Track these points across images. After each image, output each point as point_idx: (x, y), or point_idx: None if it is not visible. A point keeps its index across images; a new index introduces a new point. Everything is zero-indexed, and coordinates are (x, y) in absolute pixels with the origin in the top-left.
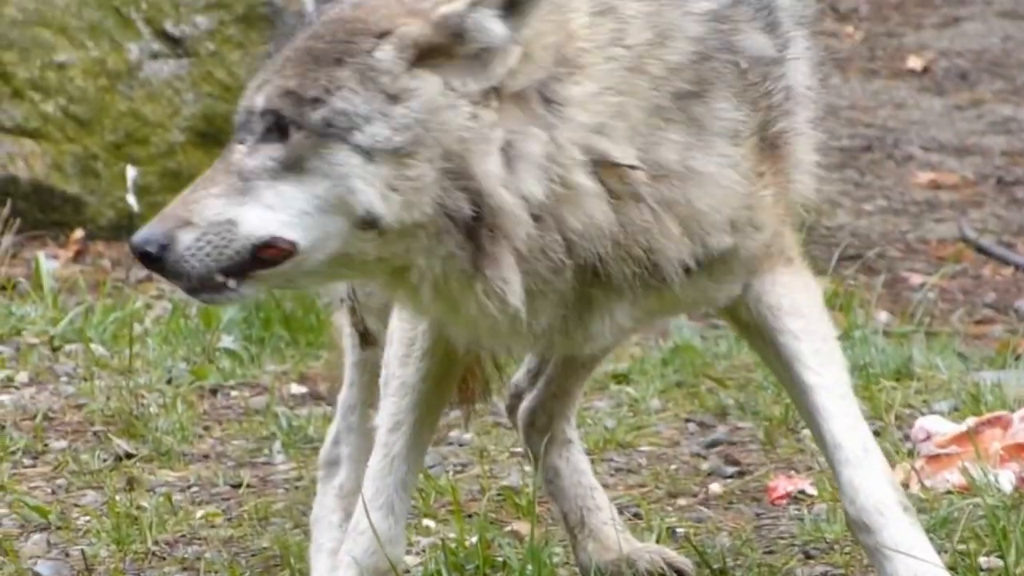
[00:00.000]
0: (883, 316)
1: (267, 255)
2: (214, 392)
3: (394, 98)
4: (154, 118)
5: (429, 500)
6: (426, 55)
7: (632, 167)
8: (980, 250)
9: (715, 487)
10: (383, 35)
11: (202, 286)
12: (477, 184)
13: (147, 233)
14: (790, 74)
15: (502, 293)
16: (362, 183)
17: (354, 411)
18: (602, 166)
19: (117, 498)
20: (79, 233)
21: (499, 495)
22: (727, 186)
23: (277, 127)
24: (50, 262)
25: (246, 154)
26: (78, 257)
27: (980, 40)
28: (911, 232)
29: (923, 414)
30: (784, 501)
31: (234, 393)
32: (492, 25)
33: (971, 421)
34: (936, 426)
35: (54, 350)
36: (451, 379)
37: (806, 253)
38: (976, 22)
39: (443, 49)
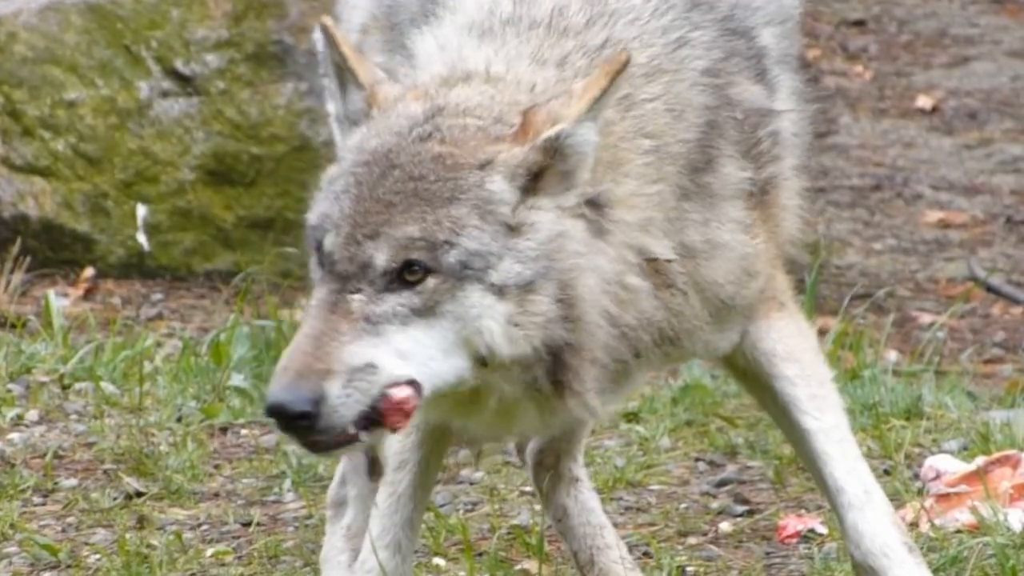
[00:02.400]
0: (893, 355)
1: (396, 400)
2: (224, 430)
3: (516, 230)
4: (164, 156)
5: (440, 538)
6: (533, 178)
7: (669, 260)
8: (989, 289)
9: (725, 526)
10: (485, 166)
11: (336, 440)
12: (580, 310)
13: (292, 393)
14: (778, 120)
15: (582, 403)
16: (491, 322)
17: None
18: (647, 262)
19: (127, 536)
20: (89, 271)
21: (509, 534)
22: (740, 251)
23: (405, 275)
24: (60, 300)
25: (368, 303)
26: (88, 295)
27: (989, 79)
28: (920, 271)
29: (933, 453)
30: (794, 540)
31: (244, 431)
32: (591, 135)
33: (980, 460)
34: (946, 465)
35: (64, 388)
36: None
37: (816, 292)
38: (985, 61)
39: (545, 169)
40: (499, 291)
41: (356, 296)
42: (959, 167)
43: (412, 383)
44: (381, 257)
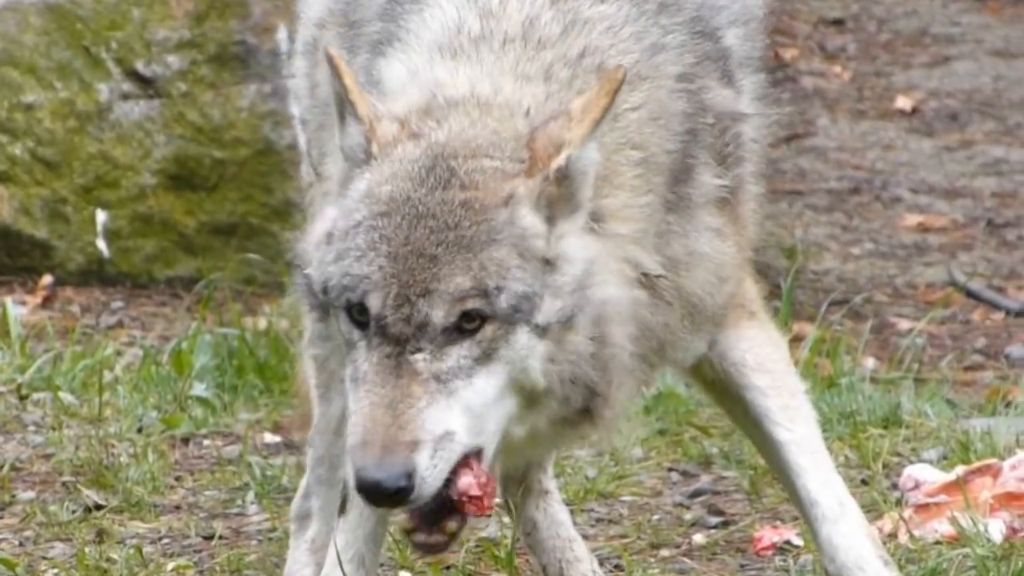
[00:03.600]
0: (870, 362)
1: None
2: (186, 441)
3: (552, 264)
4: (124, 160)
5: (407, 552)
6: (550, 207)
7: (660, 276)
8: (970, 294)
9: (699, 538)
10: (509, 201)
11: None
12: (609, 334)
13: (385, 470)
14: (742, 123)
15: (610, 427)
16: (534, 361)
17: (323, 463)
18: (641, 275)
19: (86, 550)
20: (47, 279)
21: (478, 547)
22: (718, 259)
23: (463, 325)
24: (17, 308)
25: (432, 361)
26: (46, 303)
27: (970, 80)
28: (899, 276)
29: (911, 462)
30: (769, 552)
31: (206, 442)
32: (594, 155)
33: (960, 470)
34: (925, 475)
35: (22, 398)
36: None
37: (793, 298)
38: (966, 61)
39: (557, 196)
40: (542, 331)
41: (419, 356)
42: (939, 170)
43: (478, 452)
44: (438, 314)
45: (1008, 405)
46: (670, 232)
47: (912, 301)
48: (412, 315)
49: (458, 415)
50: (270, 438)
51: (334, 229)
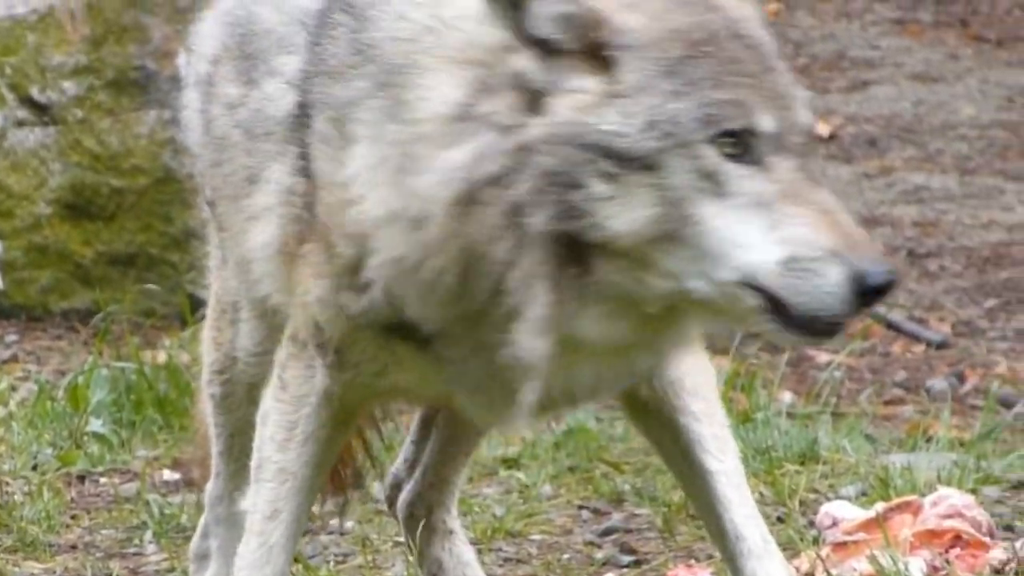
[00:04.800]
0: (787, 396)
1: None
2: (82, 479)
3: None
4: (19, 189)
5: None
6: None
7: None
8: (890, 326)
9: None
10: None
11: None
12: None
13: (885, 264)
14: None
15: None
16: None
17: (222, 502)
18: None
19: None
20: None
21: None
22: None
23: None
24: None
25: (818, 167)
26: None
27: (890, 104)
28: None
29: (829, 499)
30: None
31: (103, 480)
32: None
33: (880, 506)
34: (843, 512)
35: None
36: (329, 465)
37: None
38: (886, 86)
39: None
40: None
41: (814, 165)
42: (858, 197)
43: None
44: (811, 119)
45: (929, 440)
46: None
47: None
48: (802, 125)
49: None
50: (169, 475)
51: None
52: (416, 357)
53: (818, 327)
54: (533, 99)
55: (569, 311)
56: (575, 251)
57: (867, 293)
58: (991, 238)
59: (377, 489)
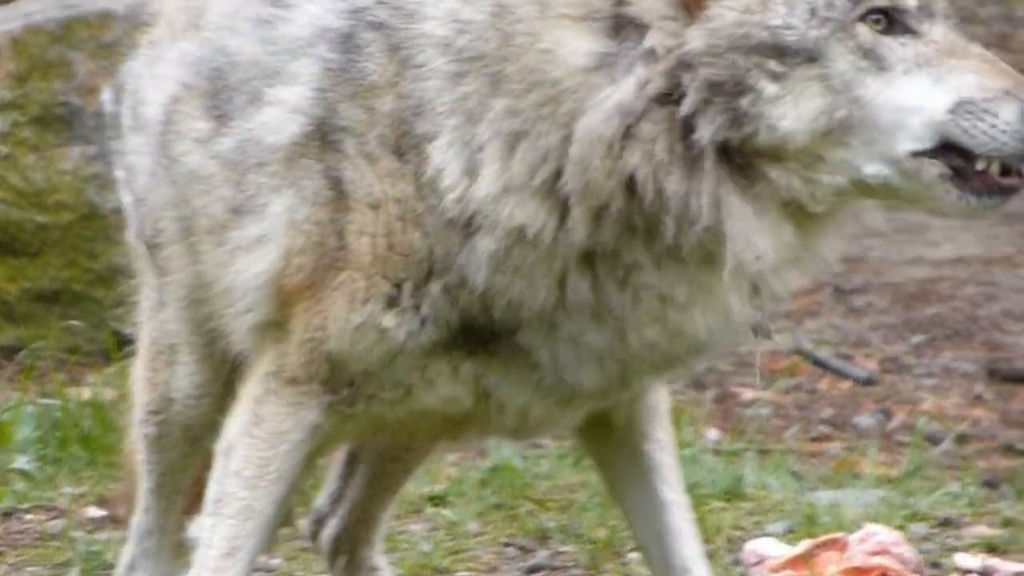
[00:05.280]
0: (713, 433)
1: None
2: (7, 516)
3: None
4: None
5: None
6: None
7: None
8: (816, 363)
9: None
10: None
11: None
12: None
13: None
14: None
15: None
16: None
17: (151, 536)
18: None
19: None
20: None
21: None
22: None
23: None
24: None
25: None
26: None
27: None
28: (743, 344)
29: (755, 536)
30: None
31: (29, 517)
32: None
33: (806, 543)
34: (769, 549)
35: None
36: (290, 503)
37: None
38: None
39: None
40: None
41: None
42: None
43: None
44: None
45: (856, 477)
46: None
47: (756, 370)
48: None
49: None
50: (95, 512)
51: None
52: (455, 372)
53: (1000, 183)
54: (687, 12)
55: (753, 221)
56: (742, 163)
57: None
58: (917, 274)
59: (303, 525)
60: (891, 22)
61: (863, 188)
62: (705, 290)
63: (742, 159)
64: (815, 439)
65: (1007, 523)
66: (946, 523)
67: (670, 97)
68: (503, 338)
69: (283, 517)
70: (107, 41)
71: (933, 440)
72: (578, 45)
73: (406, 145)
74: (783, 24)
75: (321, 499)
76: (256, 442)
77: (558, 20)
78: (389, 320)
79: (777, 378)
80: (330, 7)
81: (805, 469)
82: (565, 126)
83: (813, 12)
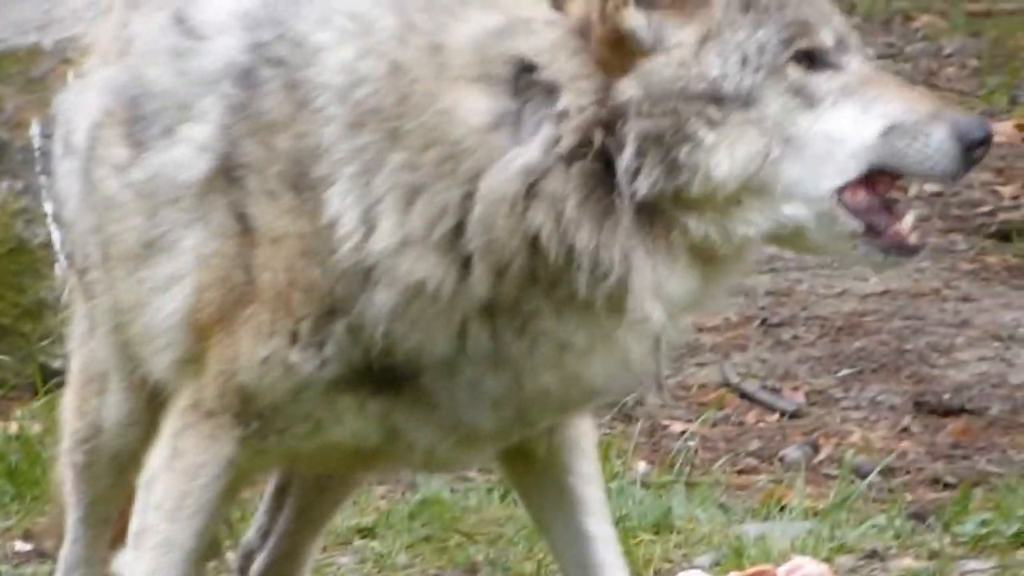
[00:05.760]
0: (642, 466)
1: None
2: None
3: None
4: None
5: None
6: None
7: None
8: (744, 396)
9: None
10: None
11: None
12: None
13: (980, 119)
14: None
15: None
16: None
17: (78, 568)
18: None
19: None
20: None
21: None
22: None
23: None
24: None
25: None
26: None
27: None
28: (671, 377)
29: (683, 568)
30: None
31: None
32: None
33: (734, 575)
34: None
35: None
36: (212, 535)
37: None
38: None
39: None
40: None
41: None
42: None
43: None
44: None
45: (783, 509)
46: None
47: (684, 403)
48: (849, 28)
49: None
50: (21, 546)
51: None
52: (362, 408)
53: (908, 244)
54: (620, 66)
55: (662, 271)
56: (655, 213)
57: (972, 147)
58: (844, 307)
59: (231, 559)
60: (813, 61)
61: (775, 235)
62: (605, 337)
63: (656, 209)
64: (743, 471)
65: (933, 555)
66: (873, 555)
67: (580, 154)
68: (407, 379)
69: (212, 550)
70: (36, 76)
71: (860, 472)
72: (477, 105)
73: (304, 184)
74: (720, 74)
75: (250, 533)
76: (175, 475)
77: (455, 82)
78: (294, 355)
79: (705, 411)
80: (237, 41)
81: (733, 501)
82: (466, 183)
83: (745, 60)
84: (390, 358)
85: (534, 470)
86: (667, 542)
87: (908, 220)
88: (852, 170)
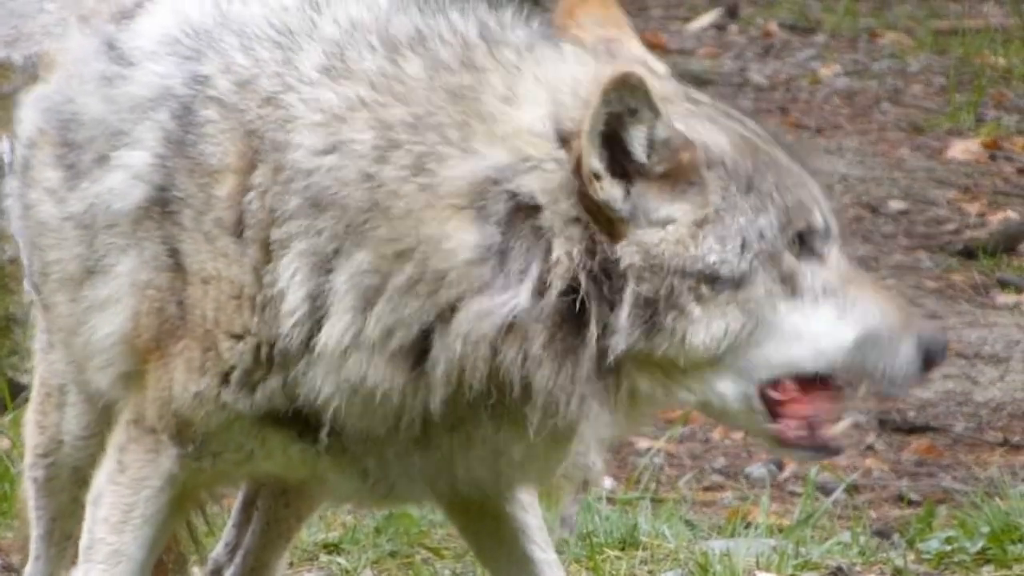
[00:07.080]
0: (608, 482)
1: None
2: None
3: None
4: None
5: None
6: None
7: None
8: None
9: None
10: None
11: None
12: None
13: (941, 333)
14: None
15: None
16: None
17: None
18: None
19: None
20: None
21: None
22: None
23: None
24: None
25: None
26: None
27: None
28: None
29: None
30: None
31: None
32: None
33: None
34: None
35: None
36: (162, 547)
37: None
38: None
39: None
40: None
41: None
42: None
43: None
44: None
45: (748, 526)
46: None
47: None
48: (834, 209)
49: None
50: None
51: (746, 178)
52: (291, 445)
53: (827, 443)
54: (612, 227)
55: (608, 422)
56: (612, 365)
57: (931, 365)
58: None
59: (198, 574)
60: (803, 243)
61: (705, 406)
62: (538, 453)
63: (616, 362)
64: (708, 488)
65: (897, 572)
66: (837, 572)
67: (560, 298)
68: (336, 439)
69: (178, 566)
70: (5, 92)
71: (825, 490)
72: (467, 237)
73: (249, 235)
74: (718, 260)
75: (218, 548)
76: (120, 488)
77: (443, 209)
78: (226, 395)
79: (671, 428)
80: (172, 69)
81: (698, 518)
82: (441, 308)
83: (745, 245)
84: (322, 419)
85: (471, 502)
86: (633, 558)
87: (841, 426)
88: (810, 365)
